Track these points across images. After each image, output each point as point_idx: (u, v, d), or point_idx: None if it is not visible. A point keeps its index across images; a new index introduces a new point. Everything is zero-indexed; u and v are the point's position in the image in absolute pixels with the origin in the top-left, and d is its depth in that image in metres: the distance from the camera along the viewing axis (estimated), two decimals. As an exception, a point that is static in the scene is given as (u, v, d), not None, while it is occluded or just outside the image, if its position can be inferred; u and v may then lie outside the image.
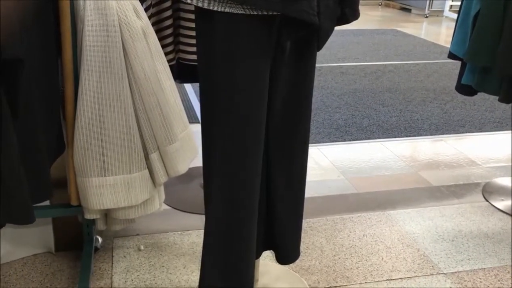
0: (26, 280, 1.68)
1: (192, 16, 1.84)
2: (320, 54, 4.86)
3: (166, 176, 1.54)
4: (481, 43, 2.01)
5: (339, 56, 4.89)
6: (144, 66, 1.39)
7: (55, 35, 1.34)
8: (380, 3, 8.37)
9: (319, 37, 1.14)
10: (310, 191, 2.32)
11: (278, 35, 1.18)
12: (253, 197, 1.27)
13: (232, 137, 1.20)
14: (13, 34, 1.14)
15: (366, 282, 1.74)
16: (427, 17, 7.34)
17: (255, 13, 1.09)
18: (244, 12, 1.09)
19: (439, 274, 1.80)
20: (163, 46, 1.81)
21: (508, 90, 2.02)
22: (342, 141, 2.91)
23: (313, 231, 2.03)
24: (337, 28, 1.31)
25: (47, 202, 1.62)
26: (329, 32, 1.16)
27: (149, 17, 1.76)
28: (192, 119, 3.11)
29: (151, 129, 1.45)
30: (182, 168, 1.57)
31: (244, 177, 1.24)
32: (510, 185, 2.45)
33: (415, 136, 3.02)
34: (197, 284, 1.68)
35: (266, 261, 1.81)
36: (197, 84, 1.31)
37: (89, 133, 1.38)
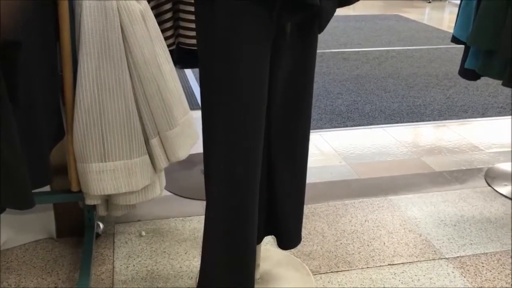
0: (28, 266, 1.68)
1: (192, 0, 1.82)
2: (322, 40, 4.83)
3: (166, 161, 1.53)
4: (485, 26, 1.99)
5: (341, 41, 4.86)
6: (143, 50, 1.38)
7: (53, 19, 1.33)
8: (382, -11, 8.29)
9: (320, 18, 1.12)
10: (312, 177, 2.32)
11: (278, 18, 1.16)
12: (254, 182, 1.26)
13: (233, 123, 1.19)
14: (11, 18, 1.13)
15: (368, 267, 1.74)
16: (430, 2, 7.27)
17: (255, -6, 1.07)
18: (244, -6, 1.07)
19: (441, 259, 1.80)
20: (162, 31, 1.79)
21: (512, 74, 2.00)
22: (344, 127, 2.90)
23: (315, 217, 2.02)
24: (339, 13, 1.30)
25: (48, 188, 1.62)
26: (330, 13, 1.14)
27: (148, 1, 1.74)
28: (193, 105, 3.10)
29: (151, 114, 1.44)
30: (182, 153, 1.56)
31: (245, 163, 1.23)
32: (513, 170, 2.44)
33: (417, 121, 3.01)
34: (198, 269, 1.68)
35: (268, 247, 1.81)
36: (198, 70, 1.29)
37: (88, 119, 1.37)
